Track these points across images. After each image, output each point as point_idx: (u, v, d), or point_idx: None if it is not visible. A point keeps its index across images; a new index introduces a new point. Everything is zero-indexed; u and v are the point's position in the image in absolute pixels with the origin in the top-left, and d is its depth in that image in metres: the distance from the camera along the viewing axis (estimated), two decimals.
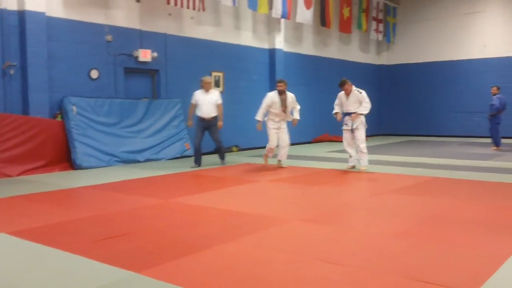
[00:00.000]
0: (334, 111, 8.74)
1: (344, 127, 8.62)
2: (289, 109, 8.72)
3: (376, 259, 3.57)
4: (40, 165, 8.53)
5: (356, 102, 8.41)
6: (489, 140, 12.87)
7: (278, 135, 8.80)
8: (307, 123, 15.50)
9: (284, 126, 8.84)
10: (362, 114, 8.38)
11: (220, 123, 9.19)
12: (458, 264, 3.47)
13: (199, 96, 9.02)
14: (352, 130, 8.46)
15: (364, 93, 8.43)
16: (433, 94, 18.12)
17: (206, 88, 9.03)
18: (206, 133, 9.22)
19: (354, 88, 8.48)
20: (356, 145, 8.46)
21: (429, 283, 3.06)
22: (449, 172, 8.25)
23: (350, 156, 8.68)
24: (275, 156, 9.18)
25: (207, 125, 9.09)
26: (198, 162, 9.13)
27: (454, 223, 4.68)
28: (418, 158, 10.44)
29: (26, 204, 5.79)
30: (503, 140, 12.70)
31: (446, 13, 17.65)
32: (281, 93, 8.72)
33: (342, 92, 8.54)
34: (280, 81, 8.88)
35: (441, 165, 9.25)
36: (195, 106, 9.08)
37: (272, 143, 8.82)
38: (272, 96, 8.77)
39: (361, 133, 8.41)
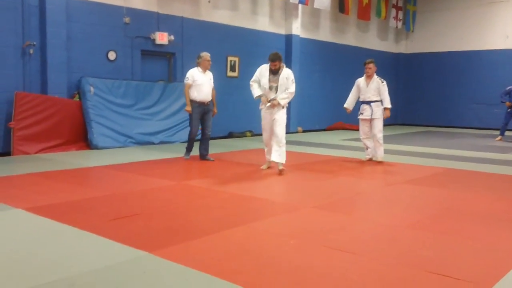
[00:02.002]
0: (345, 105, 8.30)
1: (361, 116, 8.16)
2: (282, 89, 6.83)
3: (389, 250, 3.56)
4: (57, 143, 8.66)
5: (376, 90, 7.95)
6: (508, 133, 12.80)
7: (271, 125, 7.00)
8: (321, 111, 15.47)
9: (279, 115, 6.94)
10: (389, 108, 7.96)
11: (215, 110, 8.02)
12: (473, 257, 3.44)
13: (198, 75, 7.66)
14: (370, 120, 8.04)
15: (385, 83, 7.97)
16: (451, 85, 17.86)
17: (205, 66, 7.75)
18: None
19: (375, 74, 8.04)
20: (373, 135, 8.05)
21: (443, 275, 3.04)
22: (465, 164, 8.17)
23: (367, 148, 8.27)
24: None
25: (205, 110, 7.81)
26: (190, 152, 8.02)
27: (469, 216, 4.64)
28: (434, 149, 10.34)
29: (43, 181, 5.90)
30: None
31: (468, 2, 17.30)
32: (274, 71, 6.83)
33: (362, 78, 8.09)
34: (273, 59, 6.72)
35: (457, 156, 9.16)
36: (189, 87, 7.67)
37: (263, 134, 7.29)
38: (262, 68, 6.94)
39: (380, 123, 8.04)
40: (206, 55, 7.77)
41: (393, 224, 4.27)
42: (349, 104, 8.28)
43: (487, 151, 10.19)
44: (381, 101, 8.01)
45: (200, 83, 7.63)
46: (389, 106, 7.97)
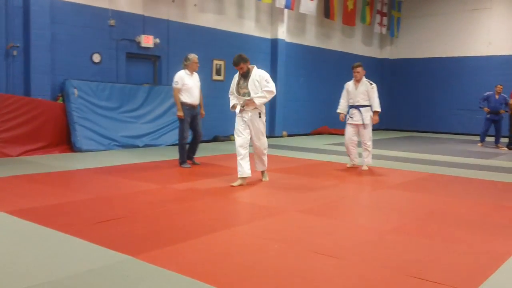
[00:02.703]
0: (338, 110, 7.93)
1: (350, 120, 7.80)
2: (253, 93, 6.11)
3: (372, 254, 3.59)
4: (40, 146, 8.56)
5: (365, 93, 7.64)
6: (493, 139, 12.91)
7: (250, 130, 6.24)
8: (307, 115, 15.54)
9: (257, 127, 6.23)
10: (378, 112, 7.67)
11: (202, 112, 7.89)
12: (455, 262, 3.48)
13: (187, 79, 7.50)
14: (362, 126, 7.73)
15: (375, 86, 7.68)
16: (435, 90, 18.10)
17: (193, 69, 7.60)
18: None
19: (364, 77, 7.74)
20: (362, 142, 7.76)
21: (425, 280, 3.06)
22: (448, 169, 8.27)
23: (350, 154, 7.97)
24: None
25: (195, 113, 7.67)
26: (186, 159, 7.69)
27: (451, 221, 4.70)
28: (417, 154, 10.46)
29: (25, 184, 5.82)
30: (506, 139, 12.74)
31: (452, 9, 17.58)
32: (244, 76, 6.25)
33: (351, 81, 7.80)
34: (236, 62, 6.20)
35: (440, 161, 9.28)
36: (179, 91, 7.47)
37: (237, 140, 6.22)
38: (235, 76, 6.46)
39: (369, 130, 7.78)
40: (194, 57, 7.65)
41: (377, 228, 4.31)
42: (341, 109, 7.92)
43: (469, 156, 10.34)
44: (370, 106, 7.70)
45: (190, 86, 7.52)
46: (378, 109, 7.66)
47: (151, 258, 3.29)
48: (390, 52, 19.39)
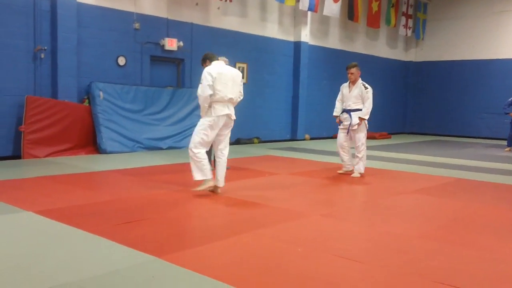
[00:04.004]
0: (334, 113, 7.51)
1: (341, 125, 7.42)
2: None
3: (396, 259, 3.54)
4: (66, 148, 8.72)
5: (359, 97, 7.15)
6: None
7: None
8: (329, 118, 15.39)
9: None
10: (364, 119, 7.15)
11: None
12: (482, 269, 3.40)
13: None
14: (348, 131, 7.28)
15: (370, 90, 7.15)
16: (461, 94, 17.79)
17: None
18: None
19: (360, 80, 7.25)
20: (355, 149, 7.31)
21: (450, 286, 3.01)
22: (475, 174, 8.11)
23: (343, 161, 7.55)
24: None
25: None
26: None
27: (478, 227, 4.61)
28: (442, 159, 10.29)
29: (52, 185, 5.93)
30: None
31: (478, 11, 17.26)
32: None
33: (346, 83, 7.35)
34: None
35: (467, 166, 9.10)
36: None
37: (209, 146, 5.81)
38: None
39: (362, 136, 7.26)
40: (224, 59, 7.53)
41: (401, 234, 4.24)
42: (338, 112, 7.47)
43: (496, 161, 10.11)
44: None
45: None
46: (364, 117, 7.12)
47: (175, 259, 3.31)
48: (415, 55, 19.14)
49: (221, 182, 5.69)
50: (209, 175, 5.54)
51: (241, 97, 5.78)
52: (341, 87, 7.52)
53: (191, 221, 4.62)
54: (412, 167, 8.65)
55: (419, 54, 19.07)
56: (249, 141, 12.40)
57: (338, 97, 7.51)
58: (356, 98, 7.18)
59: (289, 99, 13.93)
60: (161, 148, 9.91)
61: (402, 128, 19.04)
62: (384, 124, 17.60)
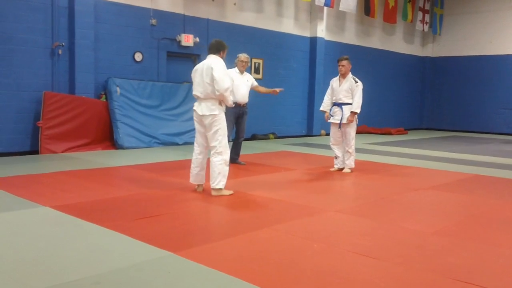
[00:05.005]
0: (321, 108, 7.49)
1: (332, 119, 7.33)
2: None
3: (415, 256, 3.51)
4: (83, 143, 8.81)
5: (349, 91, 7.12)
6: None
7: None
8: None
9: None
10: (356, 113, 7.12)
11: (276, 90, 8.02)
12: (501, 266, 3.37)
13: (235, 76, 7.43)
14: (340, 125, 7.23)
15: (360, 84, 7.09)
16: (479, 89, 17.51)
17: (240, 67, 7.59)
18: None
19: (351, 74, 7.20)
20: (345, 143, 7.28)
21: (471, 283, 2.98)
22: (493, 170, 7.99)
23: (336, 157, 7.46)
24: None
25: (241, 112, 7.56)
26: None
27: (497, 223, 4.55)
28: (460, 155, 10.16)
29: (70, 180, 6.01)
30: None
31: (496, 5, 16.95)
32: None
33: (336, 77, 7.30)
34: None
35: (485, 162, 8.97)
36: None
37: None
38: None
39: (352, 130, 7.25)
40: (239, 56, 7.62)
41: (419, 230, 4.21)
42: (325, 107, 7.42)
43: None
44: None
45: (237, 84, 7.36)
46: (356, 111, 7.08)
47: (191, 255, 3.33)
48: (432, 50, 18.90)
49: (210, 182, 5.34)
50: (193, 180, 5.53)
51: (218, 92, 5.26)
52: (331, 81, 7.44)
53: (207, 216, 4.64)
54: (429, 163, 8.55)
55: (436, 49, 18.82)
56: (265, 137, 12.40)
57: (327, 91, 7.46)
58: (347, 92, 7.16)
59: (305, 95, 13.88)
60: (177, 144, 9.96)
61: (419, 123, 18.84)
62: (401, 120, 17.44)
